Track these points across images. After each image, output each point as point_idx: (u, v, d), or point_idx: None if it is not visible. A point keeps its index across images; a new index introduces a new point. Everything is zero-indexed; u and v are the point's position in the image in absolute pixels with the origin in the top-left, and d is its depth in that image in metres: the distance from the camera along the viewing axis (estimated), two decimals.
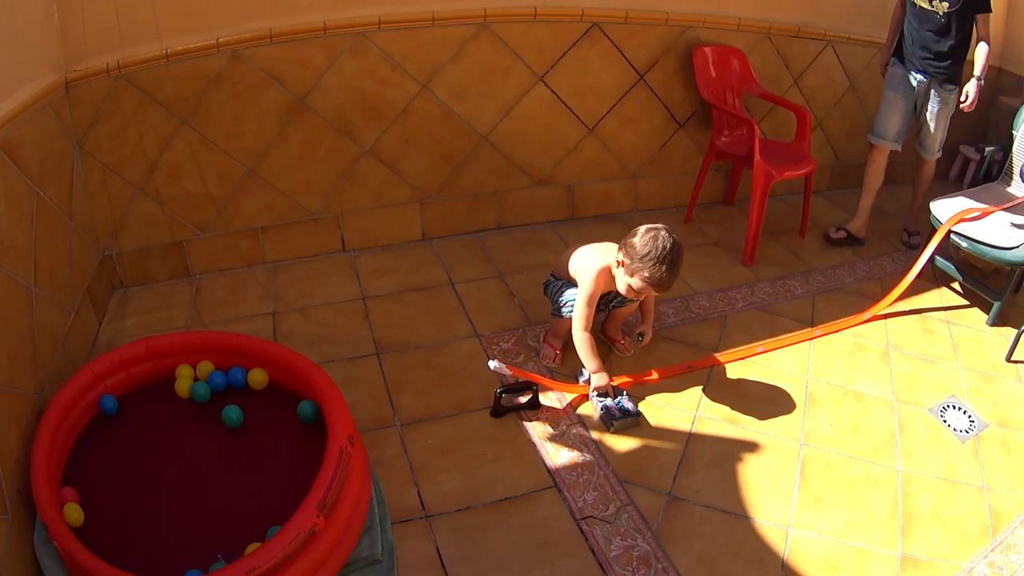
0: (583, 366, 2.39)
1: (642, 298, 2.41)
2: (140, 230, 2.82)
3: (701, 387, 2.51)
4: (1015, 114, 3.37)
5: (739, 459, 2.23)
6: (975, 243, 2.94)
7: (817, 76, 3.83)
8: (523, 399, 2.32)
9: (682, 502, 2.06)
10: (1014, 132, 3.33)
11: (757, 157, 3.19)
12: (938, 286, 3.31)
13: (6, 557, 1.56)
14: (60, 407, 1.86)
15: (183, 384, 2.09)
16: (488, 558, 1.85)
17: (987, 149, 4.17)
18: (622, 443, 2.24)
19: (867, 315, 2.99)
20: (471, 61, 3.02)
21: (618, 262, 2.26)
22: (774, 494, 2.12)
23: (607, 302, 2.49)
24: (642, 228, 2.22)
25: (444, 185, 3.25)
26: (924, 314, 3.09)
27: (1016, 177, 3.31)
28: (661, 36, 3.33)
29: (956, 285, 3.31)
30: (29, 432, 1.82)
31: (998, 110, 4.23)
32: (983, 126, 4.36)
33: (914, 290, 3.12)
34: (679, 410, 2.40)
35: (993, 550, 2.03)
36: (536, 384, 2.32)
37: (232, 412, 1.99)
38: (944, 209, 3.12)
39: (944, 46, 3.15)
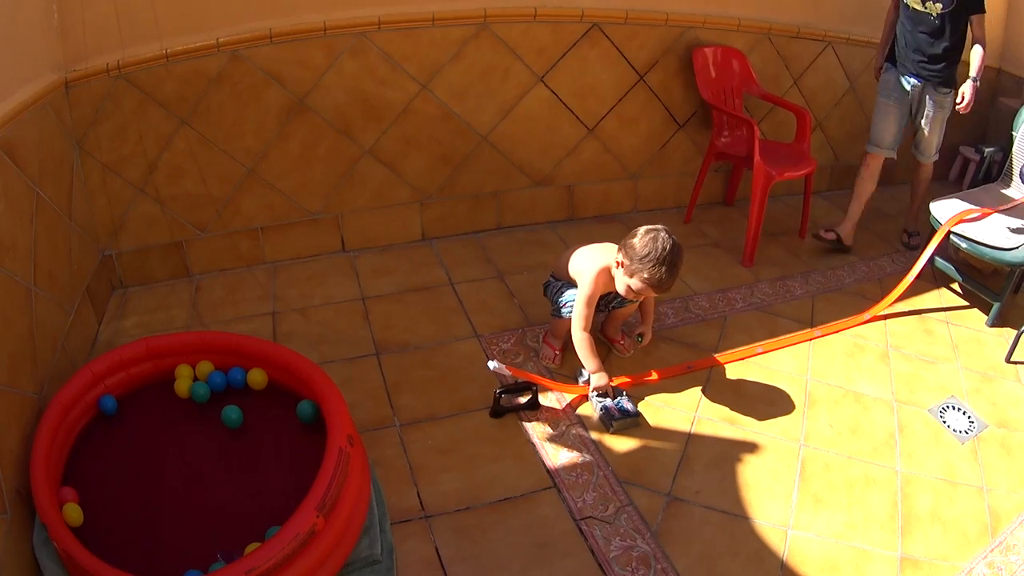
0: (582, 366, 2.39)
1: (641, 299, 2.42)
2: (140, 230, 2.82)
3: (700, 388, 2.51)
4: (1015, 115, 3.37)
5: (738, 460, 2.23)
6: (975, 244, 2.94)
7: (817, 77, 3.83)
8: (523, 399, 2.32)
9: (681, 503, 2.06)
10: (1014, 133, 3.33)
11: (757, 158, 3.19)
12: (938, 287, 3.31)
13: (5, 557, 1.55)
14: (60, 407, 1.85)
15: (183, 384, 2.09)
16: (487, 558, 1.85)
17: (987, 150, 4.17)
18: (621, 443, 2.24)
19: (867, 316, 2.99)
20: (471, 61, 3.02)
21: (618, 263, 2.26)
22: (773, 495, 2.12)
23: (607, 303, 2.49)
24: (642, 229, 2.22)
25: (444, 185, 3.25)
26: (924, 315, 3.09)
27: (1016, 178, 3.31)
28: (661, 36, 3.33)
29: (956, 286, 3.31)
30: (29, 432, 1.82)
31: (998, 111, 4.23)
32: (983, 127, 4.36)
33: (914, 291, 3.12)
34: (678, 411, 2.40)
35: (992, 551, 2.03)
36: (536, 384, 2.33)
37: (232, 412, 1.99)
38: (944, 210, 3.12)
39: (938, 48, 3.13)
